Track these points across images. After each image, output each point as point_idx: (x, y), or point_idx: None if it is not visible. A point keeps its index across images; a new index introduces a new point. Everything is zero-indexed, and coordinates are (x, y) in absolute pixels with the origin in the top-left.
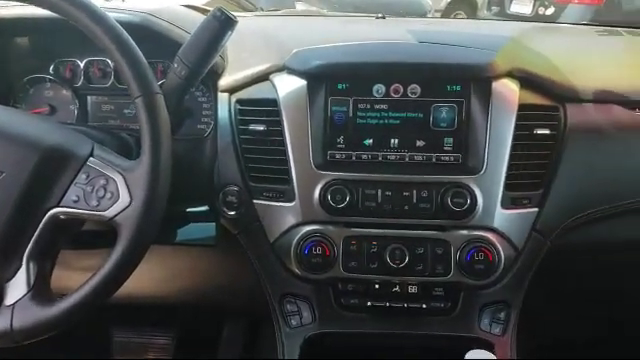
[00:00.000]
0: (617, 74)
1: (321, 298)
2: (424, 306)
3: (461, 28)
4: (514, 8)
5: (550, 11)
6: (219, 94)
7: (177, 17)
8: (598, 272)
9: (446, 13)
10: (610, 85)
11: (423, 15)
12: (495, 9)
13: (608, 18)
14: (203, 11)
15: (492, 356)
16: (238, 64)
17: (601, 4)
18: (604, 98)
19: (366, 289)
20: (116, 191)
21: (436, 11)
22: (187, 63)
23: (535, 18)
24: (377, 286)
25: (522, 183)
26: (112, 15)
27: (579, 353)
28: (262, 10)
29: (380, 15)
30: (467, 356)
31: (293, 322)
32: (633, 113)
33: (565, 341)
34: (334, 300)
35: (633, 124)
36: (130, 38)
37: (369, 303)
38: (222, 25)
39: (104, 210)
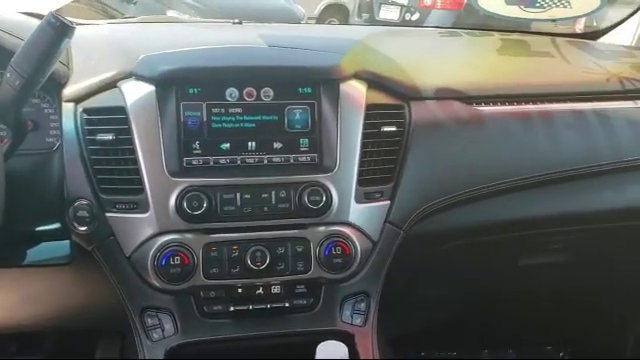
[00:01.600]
0: (456, 72)
1: (183, 308)
2: (287, 305)
3: (314, 33)
4: (383, 14)
5: (416, 17)
6: (64, 104)
7: (10, 24)
8: (450, 257)
9: (320, 20)
10: (450, 82)
11: (295, 23)
12: (365, 16)
13: (468, 22)
14: (42, 17)
15: (342, 346)
16: (84, 72)
17: (461, 9)
18: (444, 95)
19: (229, 294)
20: None
21: (310, 19)
22: (21, 72)
23: (402, 24)
24: (240, 290)
25: (374, 178)
26: None
27: (439, 337)
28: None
29: (237, 21)
30: (318, 348)
31: (155, 335)
32: (471, 108)
33: (426, 326)
34: (196, 309)
35: (471, 118)
36: None
37: (232, 308)
38: (57, 32)
39: None
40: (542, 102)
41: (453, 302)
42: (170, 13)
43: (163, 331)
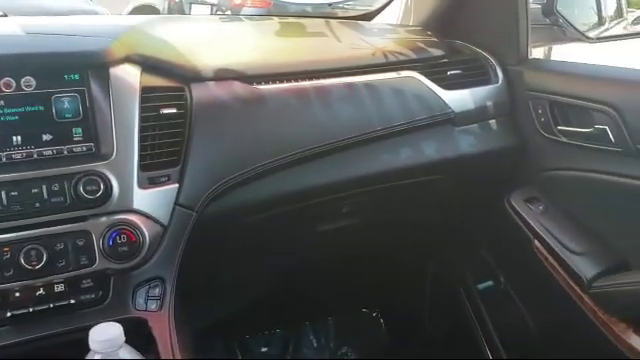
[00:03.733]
0: (236, 54)
1: None
2: (73, 301)
3: (86, 22)
4: (194, 13)
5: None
6: None
7: None
8: (254, 232)
9: None
10: (230, 64)
11: None
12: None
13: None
14: None
15: (116, 325)
16: None
17: (270, 6)
18: (225, 75)
19: (5, 300)
20: None
21: None
22: None
23: None
24: (18, 294)
25: (157, 162)
26: None
27: (260, 316)
28: None
29: (2, 14)
30: (90, 334)
31: None
32: (251, 87)
33: (244, 307)
34: None
35: (252, 96)
36: None
37: (9, 314)
38: None
39: None
40: (317, 78)
41: (266, 278)
42: None
43: None
